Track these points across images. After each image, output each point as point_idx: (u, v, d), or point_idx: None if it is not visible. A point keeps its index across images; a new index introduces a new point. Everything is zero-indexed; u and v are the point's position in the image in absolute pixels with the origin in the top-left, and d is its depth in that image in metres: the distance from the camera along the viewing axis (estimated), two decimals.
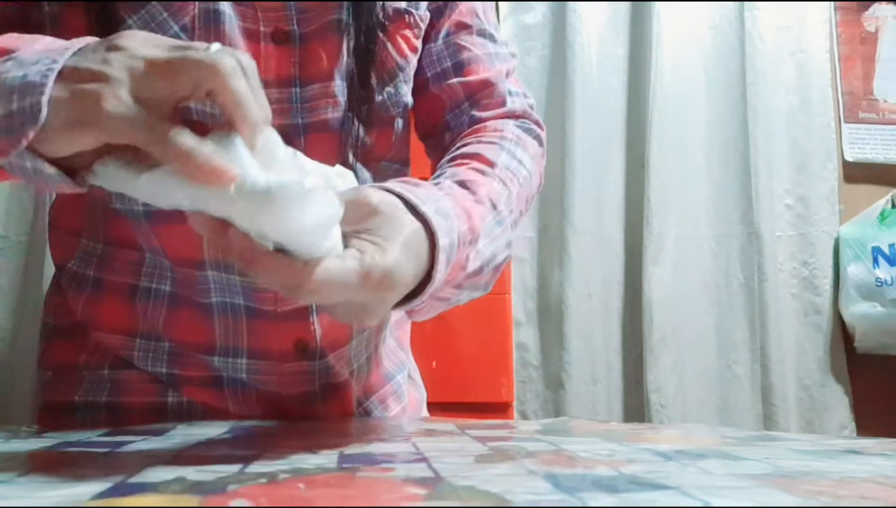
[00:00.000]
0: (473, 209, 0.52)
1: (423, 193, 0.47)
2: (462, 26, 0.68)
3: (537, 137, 0.68)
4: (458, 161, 0.60)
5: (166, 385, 0.63)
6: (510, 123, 0.67)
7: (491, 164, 0.60)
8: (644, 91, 1.82)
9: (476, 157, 0.60)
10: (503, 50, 0.70)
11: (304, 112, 0.59)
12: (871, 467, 0.35)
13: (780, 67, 1.89)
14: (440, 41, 0.67)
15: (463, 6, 0.68)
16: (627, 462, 0.35)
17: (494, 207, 0.56)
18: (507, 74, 0.69)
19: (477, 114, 0.66)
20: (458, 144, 0.63)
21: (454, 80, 0.67)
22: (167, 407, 0.62)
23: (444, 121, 0.68)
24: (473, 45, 0.67)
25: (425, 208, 0.45)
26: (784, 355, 1.79)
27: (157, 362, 0.62)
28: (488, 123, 0.66)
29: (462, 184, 0.55)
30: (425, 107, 0.68)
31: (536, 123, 0.70)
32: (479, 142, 0.63)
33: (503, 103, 0.67)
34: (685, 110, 1.83)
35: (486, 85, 0.67)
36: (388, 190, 0.45)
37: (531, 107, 0.70)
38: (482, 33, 0.69)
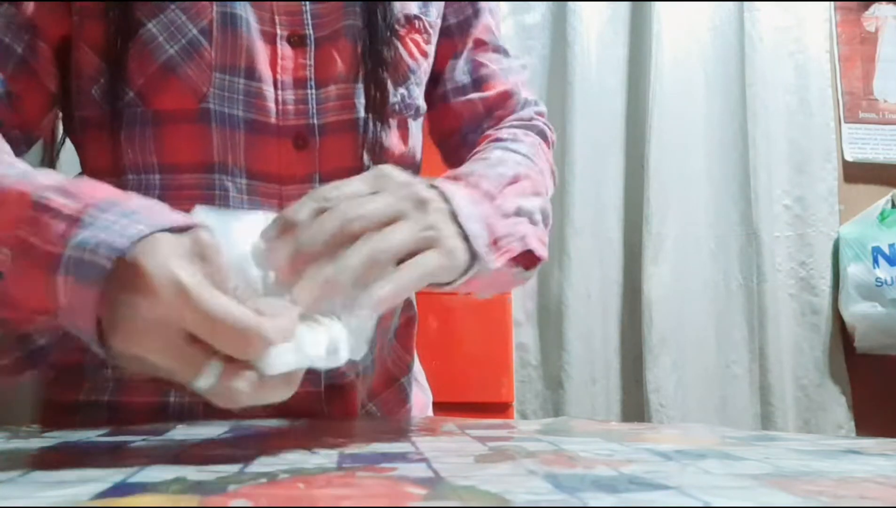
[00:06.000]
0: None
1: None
2: (480, 43, 0.71)
3: (540, 132, 0.70)
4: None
5: (169, 384, 0.62)
6: (506, 128, 0.69)
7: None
8: (644, 91, 1.82)
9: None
10: (515, 63, 0.73)
11: (320, 113, 0.61)
12: (871, 467, 0.35)
13: (779, 67, 1.89)
14: (462, 57, 0.71)
15: (481, 24, 0.72)
16: (627, 462, 0.35)
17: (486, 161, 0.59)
18: (521, 85, 0.73)
19: (488, 127, 0.69)
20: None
21: (474, 95, 0.70)
22: (169, 407, 0.62)
23: (462, 134, 0.71)
24: (490, 62, 0.71)
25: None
26: (782, 355, 1.79)
27: None
28: (490, 133, 0.68)
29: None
30: (443, 117, 0.71)
31: (545, 123, 0.72)
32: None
33: (513, 112, 0.71)
34: (685, 111, 1.83)
35: (505, 97, 0.70)
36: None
37: (538, 114, 0.72)
38: (497, 49, 0.72)
